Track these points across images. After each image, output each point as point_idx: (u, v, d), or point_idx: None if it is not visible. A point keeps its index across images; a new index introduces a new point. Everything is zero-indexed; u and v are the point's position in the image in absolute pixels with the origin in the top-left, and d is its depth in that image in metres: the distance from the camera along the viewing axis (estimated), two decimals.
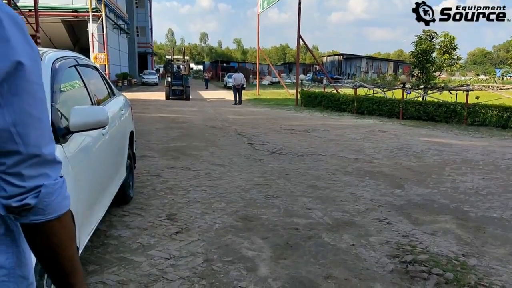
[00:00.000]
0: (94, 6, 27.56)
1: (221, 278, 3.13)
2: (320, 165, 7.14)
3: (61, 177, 0.88)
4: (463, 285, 3.07)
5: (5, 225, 0.86)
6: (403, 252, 3.64)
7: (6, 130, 0.79)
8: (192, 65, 31.67)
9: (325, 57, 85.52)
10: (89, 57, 29.19)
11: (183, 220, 4.34)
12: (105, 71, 28.84)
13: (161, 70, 78.30)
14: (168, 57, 25.18)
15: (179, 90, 23.60)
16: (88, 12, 27.35)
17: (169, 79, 23.88)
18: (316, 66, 69.51)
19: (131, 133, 4.96)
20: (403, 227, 4.28)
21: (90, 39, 28.45)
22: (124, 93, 5.85)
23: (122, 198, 4.56)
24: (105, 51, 28.61)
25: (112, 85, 4.72)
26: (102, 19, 28.18)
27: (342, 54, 76.36)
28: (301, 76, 21.76)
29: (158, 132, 10.77)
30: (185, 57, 25.72)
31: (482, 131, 11.94)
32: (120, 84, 34.48)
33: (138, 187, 5.55)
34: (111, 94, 4.46)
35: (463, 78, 43.57)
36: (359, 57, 73.12)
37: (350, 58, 73.31)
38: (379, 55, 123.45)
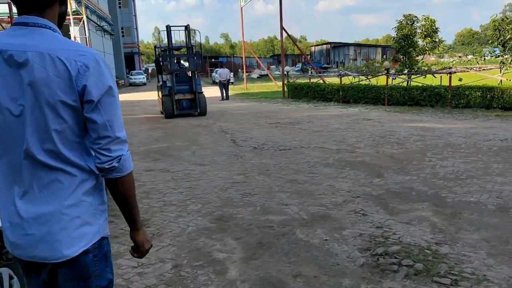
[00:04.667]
0: (75, 9, 27.27)
1: (188, 284, 3.08)
2: (302, 158, 7.09)
3: (128, 151, 1.43)
4: (433, 275, 3.03)
5: (96, 180, 1.44)
6: (375, 244, 3.61)
7: (104, 124, 1.35)
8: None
9: (313, 47, 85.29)
10: None
11: (156, 225, 4.28)
12: None
13: (150, 69, 77.11)
14: (164, 44, 15.20)
15: (187, 100, 14.08)
16: (68, 15, 27.03)
17: (167, 82, 13.97)
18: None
19: None
20: (378, 217, 4.24)
21: None
22: None
23: None
24: None
25: None
26: (83, 21, 27.86)
27: (330, 43, 76.13)
28: (287, 68, 21.69)
29: (141, 134, 10.67)
30: (191, 42, 14.64)
31: (466, 113, 11.93)
32: None
33: None
34: None
35: (451, 59, 43.61)
36: (347, 45, 72.97)
37: (337, 46, 73.14)
38: (368, 41, 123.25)
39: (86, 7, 29.06)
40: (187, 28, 14.09)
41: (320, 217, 4.32)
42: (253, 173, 6.24)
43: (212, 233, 4.03)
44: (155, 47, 15.95)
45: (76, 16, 27.46)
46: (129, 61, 59.34)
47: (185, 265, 3.38)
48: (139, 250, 1.59)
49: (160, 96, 14.71)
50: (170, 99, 13.78)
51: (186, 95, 14.11)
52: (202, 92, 14.30)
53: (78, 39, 28.07)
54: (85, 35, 28.31)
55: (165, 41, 14.35)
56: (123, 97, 27.31)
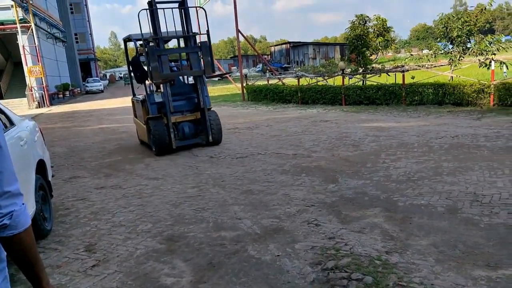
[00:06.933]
0: (22, 17, 26.10)
1: None
2: (258, 166, 7.02)
3: (23, 204, 1.30)
4: None
5: None
6: (326, 257, 3.56)
7: None
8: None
9: (273, 47, 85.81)
10: (23, 71, 27.76)
11: (103, 250, 4.08)
12: (42, 84, 27.54)
13: (108, 75, 74.55)
14: (147, 34, 8.34)
15: (190, 122, 8.85)
16: (15, 24, 25.88)
17: (155, 95, 8.59)
18: (265, 56, 69.70)
19: (40, 162, 4.60)
20: (331, 227, 4.21)
21: (21, 52, 26.96)
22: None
23: (36, 233, 4.22)
24: (39, 63, 27.21)
25: (10, 113, 4.35)
26: (31, 29, 26.74)
27: (289, 42, 76.82)
28: (245, 71, 21.61)
29: (94, 147, 10.31)
30: (190, 28, 8.72)
31: (420, 110, 12.23)
32: (61, 95, 33.11)
33: (60, 215, 5.21)
34: (8, 125, 4.10)
35: (407, 54, 44.97)
36: (306, 44, 73.83)
37: (297, 45, 73.88)
38: (327, 39, 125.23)
39: (34, 15, 27.90)
40: (183, 4, 8.55)
41: (273, 231, 4.25)
42: (208, 185, 6.11)
43: (161, 255, 3.87)
44: (125, 40, 9.62)
45: (23, 25, 26.28)
46: (85, 67, 57.68)
47: None
48: None
49: (142, 120, 9.18)
50: (162, 123, 8.39)
51: (186, 114, 8.80)
52: (211, 108, 9.07)
53: (27, 48, 26.93)
54: (35, 43, 27.17)
55: (144, 30, 8.33)
56: (78, 106, 26.46)
